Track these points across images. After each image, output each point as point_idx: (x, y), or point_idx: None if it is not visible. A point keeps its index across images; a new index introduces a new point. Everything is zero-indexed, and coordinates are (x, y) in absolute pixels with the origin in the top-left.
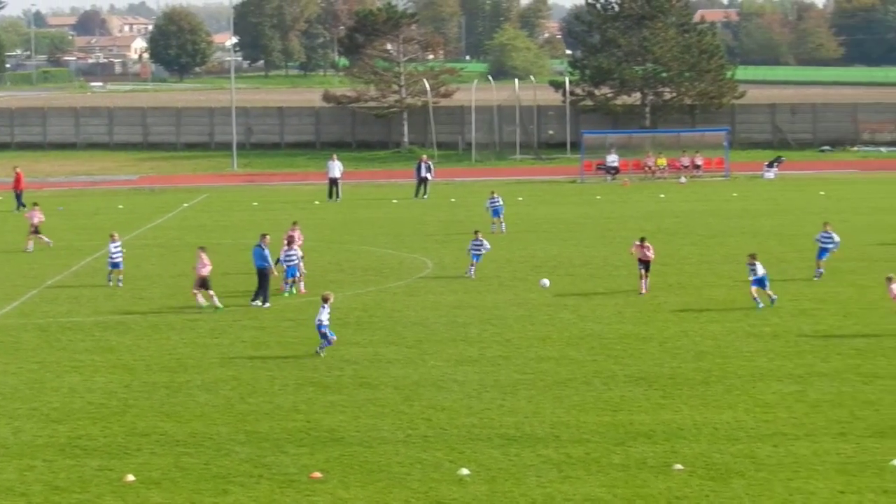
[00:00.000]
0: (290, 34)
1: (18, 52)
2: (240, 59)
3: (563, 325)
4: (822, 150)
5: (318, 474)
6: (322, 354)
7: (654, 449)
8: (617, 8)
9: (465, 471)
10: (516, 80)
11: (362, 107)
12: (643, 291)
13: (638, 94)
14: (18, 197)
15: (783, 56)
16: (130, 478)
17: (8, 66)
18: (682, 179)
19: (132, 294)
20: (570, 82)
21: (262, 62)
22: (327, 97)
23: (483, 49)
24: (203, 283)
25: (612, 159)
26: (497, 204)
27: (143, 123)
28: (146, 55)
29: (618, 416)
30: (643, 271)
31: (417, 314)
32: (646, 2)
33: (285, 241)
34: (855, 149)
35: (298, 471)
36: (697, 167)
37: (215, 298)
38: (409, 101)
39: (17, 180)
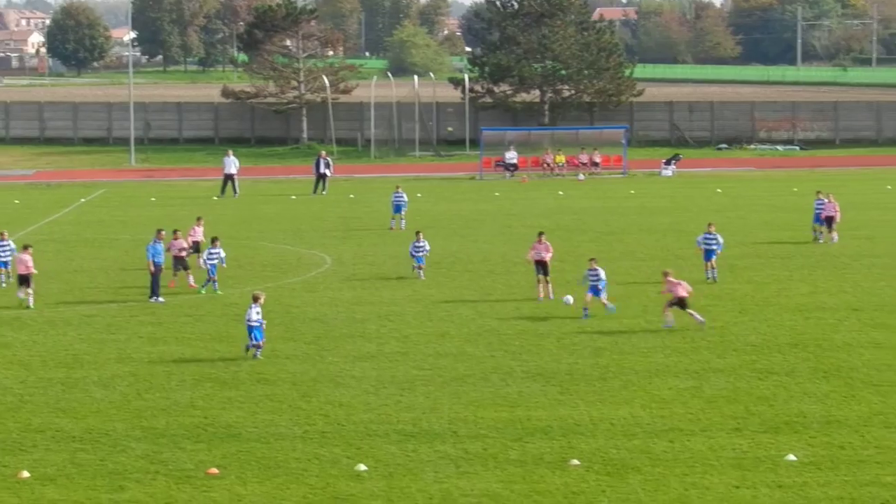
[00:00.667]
0: (188, 29)
1: None
2: (138, 54)
3: (461, 322)
4: (720, 148)
5: (215, 470)
6: (258, 356)
7: (551, 444)
8: (516, 5)
9: (362, 466)
10: (416, 77)
11: (261, 102)
12: (541, 297)
13: (537, 92)
14: None
15: (681, 55)
16: (25, 474)
17: None
18: (581, 176)
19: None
20: (470, 79)
21: (160, 57)
22: (226, 93)
23: (383, 46)
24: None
25: (511, 156)
26: (401, 200)
27: (40, 118)
28: (43, 50)
29: (515, 412)
30: (541, 275)
31: (315, 310)
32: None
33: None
34: (752, 147)
35: (195, 467)
36: (596, 164)
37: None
38: (309, 97)
39: None
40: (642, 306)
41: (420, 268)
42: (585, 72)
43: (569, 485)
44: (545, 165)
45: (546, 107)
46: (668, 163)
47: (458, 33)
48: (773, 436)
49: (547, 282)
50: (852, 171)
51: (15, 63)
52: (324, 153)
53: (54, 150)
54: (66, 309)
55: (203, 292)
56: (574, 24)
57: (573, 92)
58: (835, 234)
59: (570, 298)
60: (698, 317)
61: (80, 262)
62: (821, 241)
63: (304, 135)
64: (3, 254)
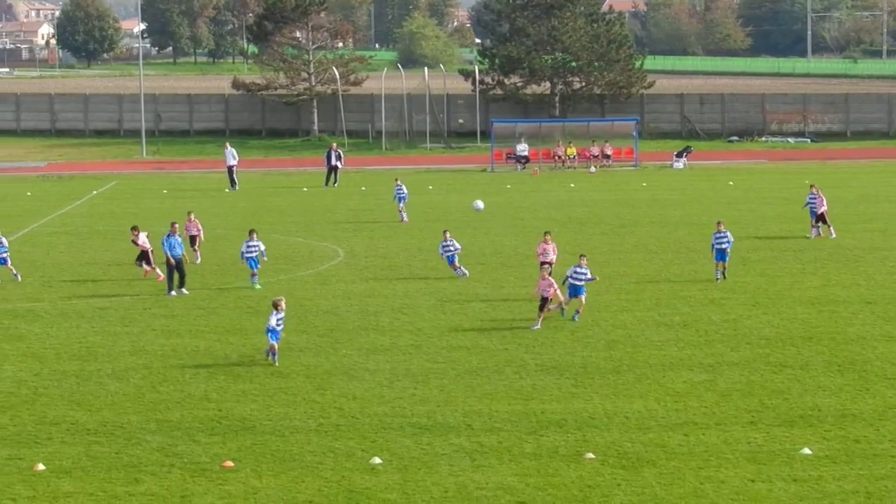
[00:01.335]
0: (198, 21)
1: None
2: (148, 45)
3: (474, 314)
4: (731, 141)
5: (229, 463)
6: (274, 363)
7: (565, 438)
8: None
9: (377, 460)
10: (426, 69)
11: (272, 94)
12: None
13: (547, 84)
14: None
15: (691, 46)
16: (41, 467)
17: None
18: (592, 169)
19: (41, 282)
20: (480, 71)
21: (170, 49)
22: (236, 84)
23: (392, 37)
24: None
25: (522, 148)
26: (401, 192)
27: (51, 110)
28: (53, 41)
29: (530, 405)
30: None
31: (328, 303)
32: None
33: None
34: (763, 139)
35: (210, 460)
36: (607, 157)
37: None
38: (319, 88)
39: None
40: (655, 299)
41: (455, 267)
42: (596, 64)
43: (584, 478)
44: (556, 158)
45: (556, 99)
46: (679, 155)
47: (468, 25)
48: (787, 429)
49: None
50: (863, 163)
51: (25, 54)
52: (335, 145)
53: (65, 142)
54: (79, 301)
55: (259, 287)
56: (584, 16)
57: (584, 84)
58: (831, 229)
59: (480, 204)
60: (553, 306)
61: (92, 255)
62: (811, 237)
63: (315, 127)
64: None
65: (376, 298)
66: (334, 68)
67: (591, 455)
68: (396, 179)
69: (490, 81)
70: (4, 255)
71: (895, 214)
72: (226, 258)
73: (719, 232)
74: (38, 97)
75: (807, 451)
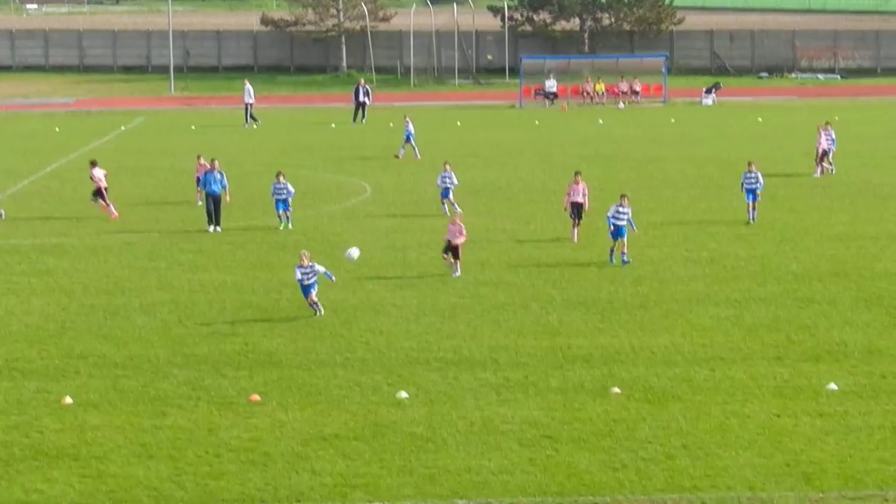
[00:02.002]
0: None
1: None
2: None
3: (501, 250)
4: (760, 77)
5: (256, 397)
6: (316, 314)
7: (591, 373)
8: None
9: (403, 393)
10: (455, 5)
11: (300, 31)
12: (576, 240)
13: (576, 20)
14: None
15: None
16: (68, 400)
17: None
18: (621, 105)
19: (69, 217)
20: (509, 7)
21: None
22: (265, 20)
23: None
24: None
25: (551, 84)
26: (408, 130)
27: (80, 46)
28: None
29: (556, 340)
30: (576, 219)
31: (356, 238)
32: None
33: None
34: (792, 75)
35: (237, 393)
36: (636, 93)
37: None
38: (348, 25)
39: None
40: (682, 235)
41: (446, 201)
42: None
43: (609, 412)
44: (585, 94)
45: (586, 35)
46: (708, 91)
47: None
48: (814, 364)
49: (578, 224)
50: (893, 99)
51: None
52: (363, 81)
53: (94, 78)
54: (106, 236)
55: (289, 227)
56: None
57: (613, 20)
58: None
59: (353, 253)
60: (458, 271)
61: (120, 190)
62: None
63: (344, 63)
64: None
65: (403, 234)
66: (363, 4)
67: (616, 390)
68: (405, 116)
69: (519, 17)
70: None
71: None
72: (254, 194)
73: (750, 172)
74: (67, 33)
75: (833, 386)
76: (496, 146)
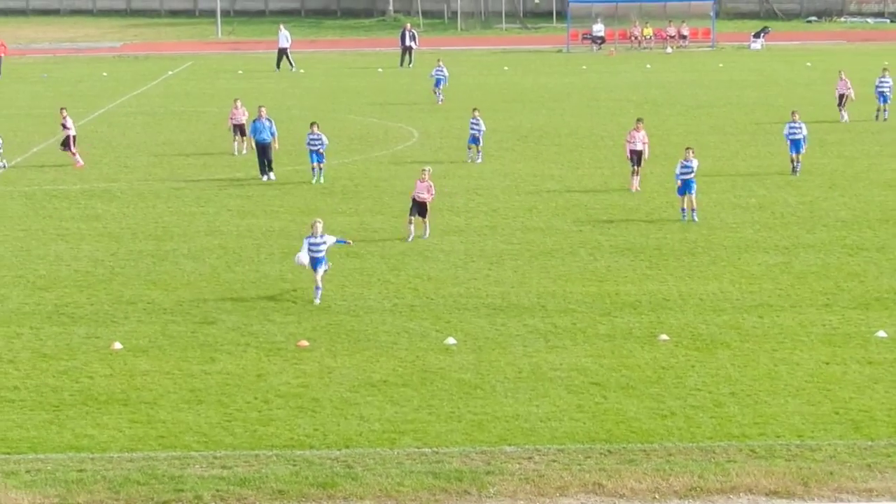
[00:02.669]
0: None
1: None
2: None
3: (548, 196)
4: (809, 21)
5: (304, 343)
6: (315, 300)
7: (639, 319)
8: None
9: (451, 340)
10: None
11: None
12: (634, 188)
13: None
14: None
15: None
16: (118, 345)
17: None
18: (668, 49)
19: (117, 162)
20: None
21: None
22: None
23: None
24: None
25: (598, 29)
26: (441, 74)
27: None
28: None
29: (604, 287)
30: (636, 166)
31: (403, 184)
32: None
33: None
34: (842, 19)
35: (285, 339)
36: (684, 37)
37: None
38: None
39: None
40: (730, 182)
41: (471, 147)
42: None
43: (658, 359)
44: (633, 38)
45: None
46: (756, 36)
47: None
48: (863, 312)
49: (637, 173)
50: None
51: None
52: (409, 25)
53: (141, 21)
54: (154, 182)
55: (321, 181)
56: None
57: None
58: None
59: (303, 259)
60: (426, 233)
61: (168, 135)
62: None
63: (390, 7)
64: None
65: (451, 179)
66: None
67: (665, 336)
68: (439, 60)
69: None
70: None
71: None
72: (301, 139)
73: (794, 122)
74: None
75: (882, 333)
76: (543, 91)
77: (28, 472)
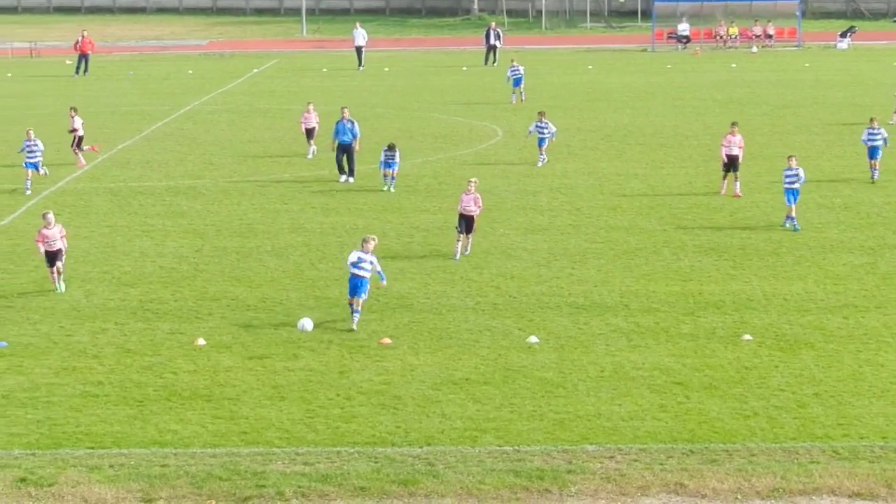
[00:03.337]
0: None
1: None
2: None
3: (632, 195)
4: None
5: (387, 340)
6: (352, 326)
7: (723, 319)
8: None
9: (534, 338)
10: None
11: None
12: (723, 192)
13: None
14: (85, 60)
15: None
16: (201, 342)
17: None
18: (754, 49)
19: (203, 159)
20: None
21: None
22: None
23: None
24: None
25: (684, 28)
26: (518, 74)
27: None
28: None
29: (687, 286)
30: (732, 171)
31: (487, 182)
32: None
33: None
34: None
35: (368, 337)
36: (769, 36)
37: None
38: None
39: (84, 44)
40: (816, 181)
41: (542, 150)
42: None
43: (741, 359)
44: (718, 37)
45: None
46: (843, 35)
47: None
48: None
49: (735, 178)
50: None
51: None
52: (494, 24)
53: (226, 20)
54: (239, 179)
55: (391, 190)
56: None
57: None
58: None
59: (307, 325)
60: (468, 249)
61: (253, 133)
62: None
63: (475, 6)
64: (31, 156)
65: (535, 178)
66: None
67: (748, 336)
68: (513, 60)
69: None
70: (38, 159)
71: None
72: (385, 137)
73: (872, 128)
74: None
75: None
76: (628, 90)
77: (111, 466)
